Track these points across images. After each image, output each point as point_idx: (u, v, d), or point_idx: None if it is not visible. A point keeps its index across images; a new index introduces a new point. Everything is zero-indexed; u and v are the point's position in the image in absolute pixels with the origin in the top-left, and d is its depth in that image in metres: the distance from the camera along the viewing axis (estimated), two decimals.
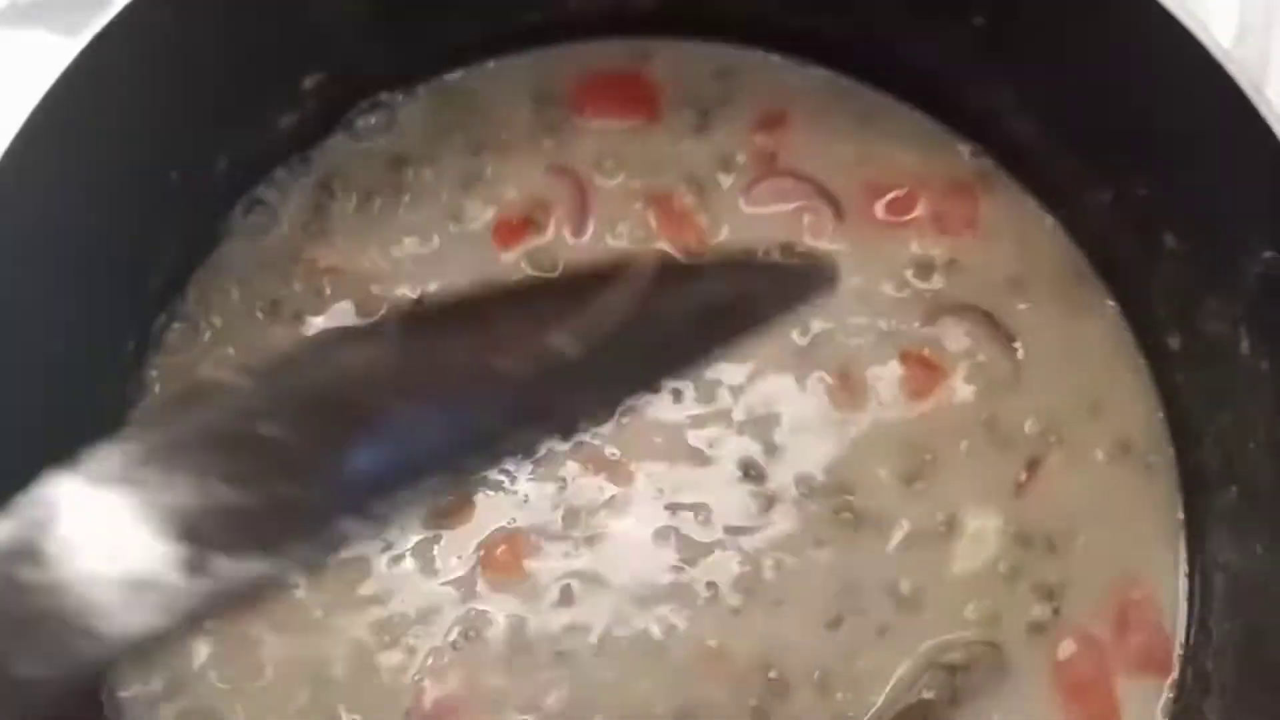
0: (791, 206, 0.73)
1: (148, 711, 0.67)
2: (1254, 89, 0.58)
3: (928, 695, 0.66)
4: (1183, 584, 0.69)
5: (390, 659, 0.67)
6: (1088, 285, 0.74)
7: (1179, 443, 0.71)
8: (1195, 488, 0.69)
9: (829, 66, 0.75)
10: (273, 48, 0.67)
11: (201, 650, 0.67)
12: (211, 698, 0.67)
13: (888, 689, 0.67)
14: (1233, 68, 0.58)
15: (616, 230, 0.73)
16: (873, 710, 0.66)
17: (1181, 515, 0.70)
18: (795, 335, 0.71)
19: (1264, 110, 0.57)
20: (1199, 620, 0.68)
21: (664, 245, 0.72)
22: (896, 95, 0.75)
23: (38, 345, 0.62)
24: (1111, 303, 0.74)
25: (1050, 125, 0.71)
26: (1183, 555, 0.69)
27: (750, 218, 0.73)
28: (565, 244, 0.73)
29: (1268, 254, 0.60)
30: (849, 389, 0.70)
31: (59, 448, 0.39)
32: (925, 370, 0.71)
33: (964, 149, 0.75)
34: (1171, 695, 0.68)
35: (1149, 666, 0.68)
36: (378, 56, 0.73)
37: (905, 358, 0.71)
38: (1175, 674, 0.68)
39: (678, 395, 0.70)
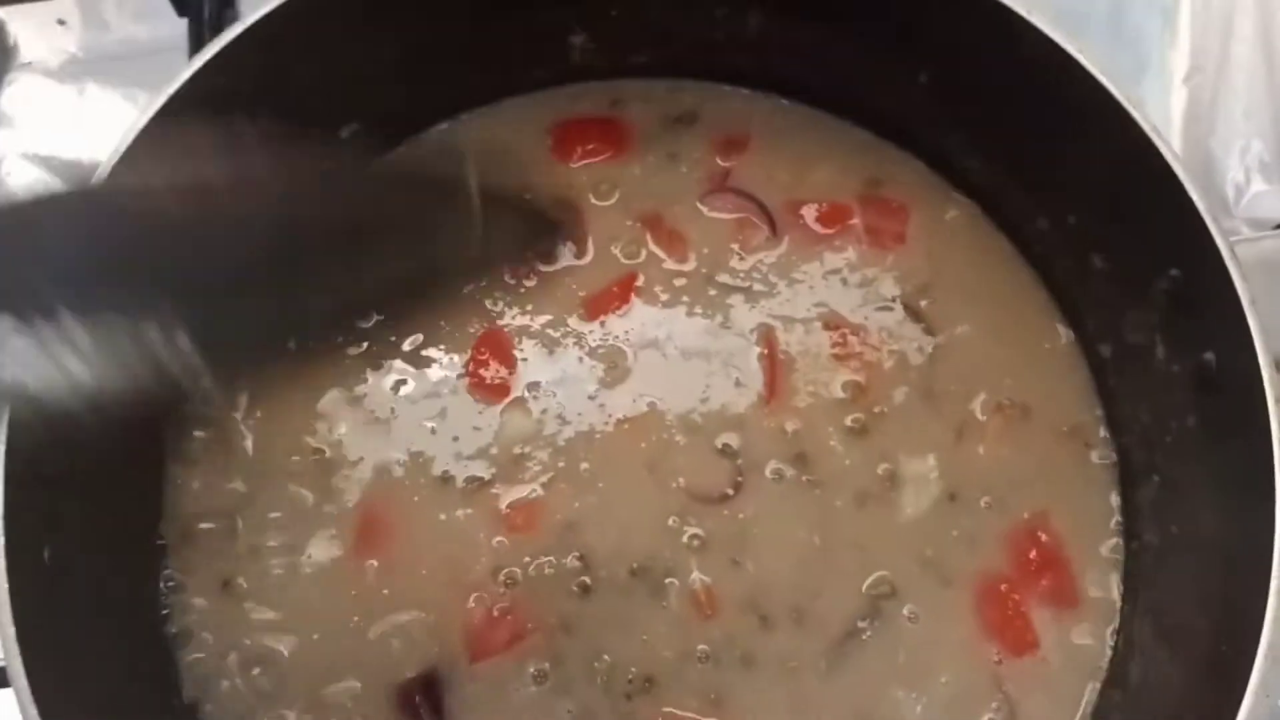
0: (734, 217, 0.84)
1: None
2: (1159, 136, 0.67)
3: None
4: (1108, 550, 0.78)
5: None
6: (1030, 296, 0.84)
7: (1115, 436, 0.80)
8: (1126, 476, 0.79)
9: (792, 98, 0.86)
10: (317, 102, 0.77)
11: None
12: None
13: None
14: (1138, 116, 0.67)
15: (612, 249, 0.83)
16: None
17: (1115, 499, 0.79)
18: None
19: (1166, 153, 0.67)
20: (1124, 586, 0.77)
21: (657, 255, 0.83)
22: (854, 122, 0.85)
23: None
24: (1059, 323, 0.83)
25: (993, 164, 0.82)
26: (1113, 528, 0.78)
27: (709, 220, 0.84)
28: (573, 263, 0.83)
29: (1174, 272, 0.70)
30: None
31: None
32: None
33: (917, 177, 0.85)
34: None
35: (1060, 601, 0.77)
36: (401, 103, 0.83)
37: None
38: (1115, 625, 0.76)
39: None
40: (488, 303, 0.82)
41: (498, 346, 0.81)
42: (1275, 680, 0.79)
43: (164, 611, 0.75)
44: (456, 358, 0.81)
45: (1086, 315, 0.80)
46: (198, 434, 0.79)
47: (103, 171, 0.66)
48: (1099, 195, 0.74)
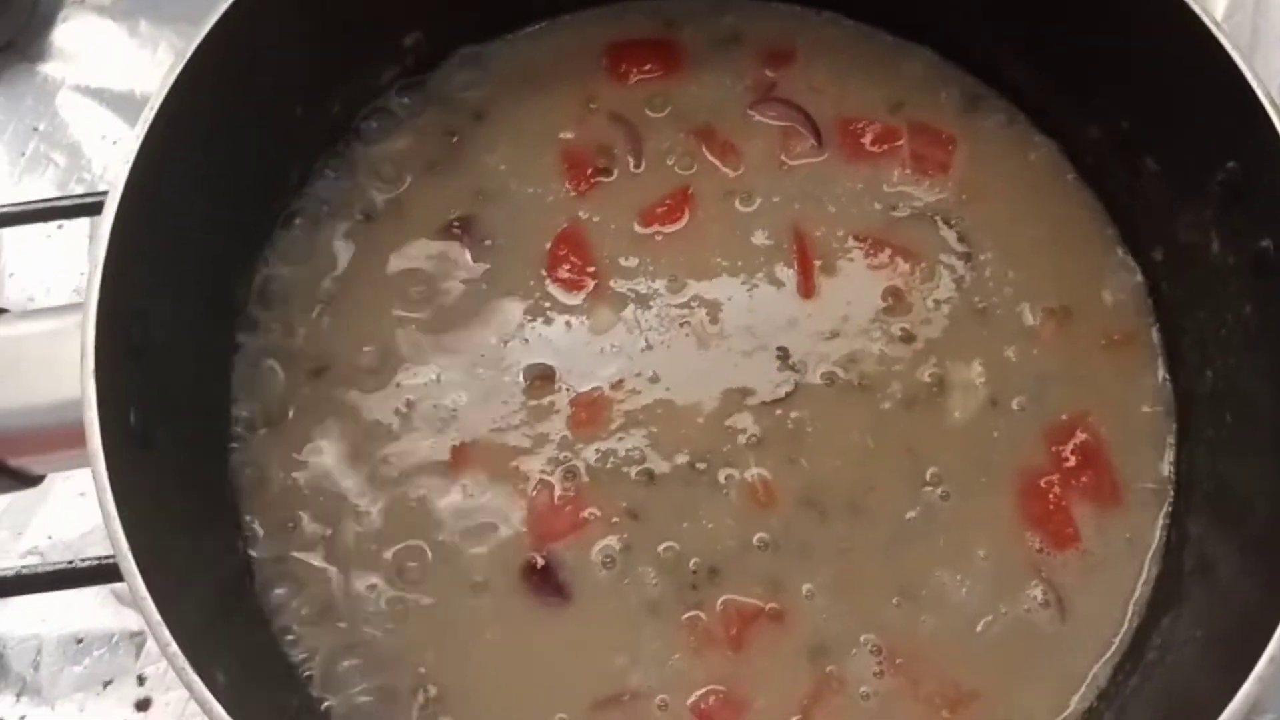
0: (780, 125, 0.86)
1: None
2: (1217, 27, 0.69)
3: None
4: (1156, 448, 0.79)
5: None
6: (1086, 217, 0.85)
7: (1166, 337, 0.81)
8: (1178, 375, 0.80)
9: (844, 12, 0.88)
10: (380, 11, 0.80)
11: None
12: None
13: None
14: (1197, 9, 0.69)
15: (668, 161, 0.85)
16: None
17: (1167, 398, 0.80)
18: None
19: (1225, 42, 0.68)
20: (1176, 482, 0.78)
21: (710, 166, 0.85)
22: (908, 38, 0.87)
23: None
24: (1109, 231, 0.85)
25: (1044, 73, 0.83)
26: (1163, 426, 0.80)
27: (757, 128, 0.86)
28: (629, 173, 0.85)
29: (1231, 164, 0.71)
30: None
31: None
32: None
33: (962, 92, 0.87)
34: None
35: (1102, 498, 0.78)
36: (464, 13, 0.86)
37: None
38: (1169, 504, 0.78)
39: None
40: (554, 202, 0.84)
41: (577, 244, 0.84)
42: None
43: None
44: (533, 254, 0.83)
45: (1138, 220, 0.82)
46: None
47: (154, 103, 0.68)
48: (1155, 96, 0.75)
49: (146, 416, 0.65)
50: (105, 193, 0.65)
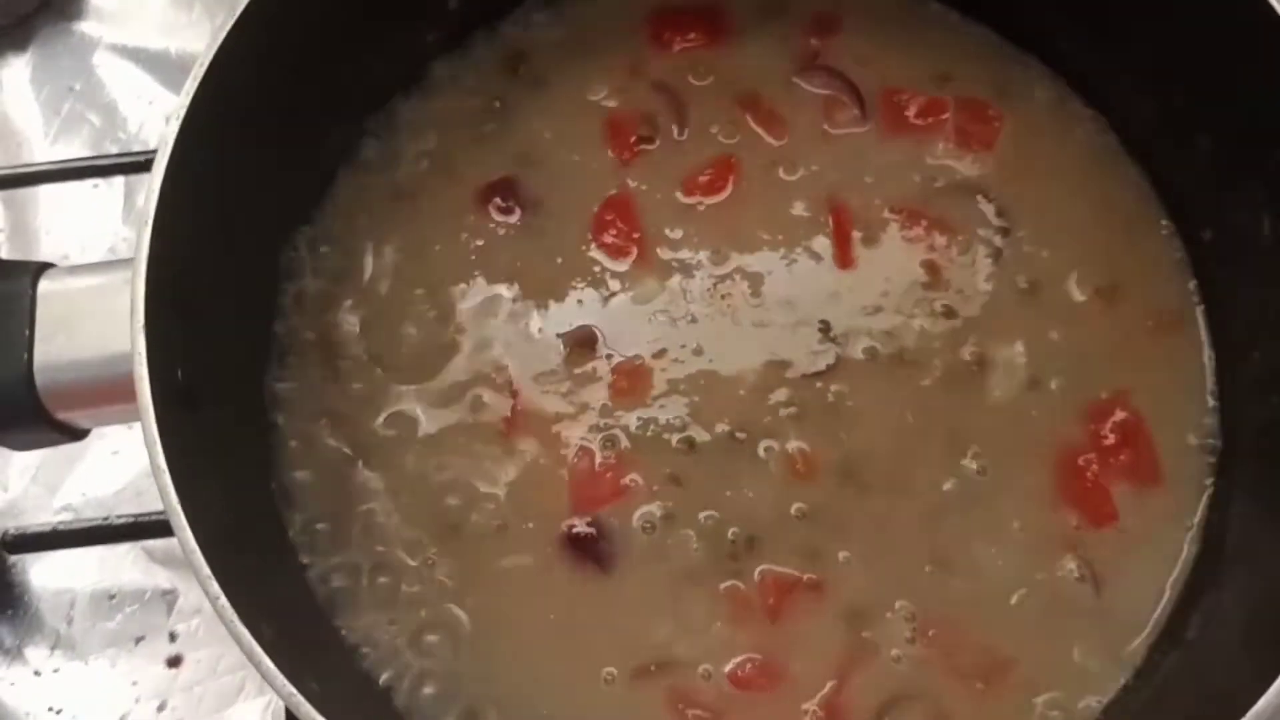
0: (824, 94, 0.86)
1: None
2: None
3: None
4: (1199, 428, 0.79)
5: None
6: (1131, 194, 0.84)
7: (1213, 318, 0.81)
8: (1224, 356, 0.79)
9: None
10: None
11: None
12: None
13: None
14: None
15: (711, 129, 0.85)
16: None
17: (1211, 379, 0.80)
18: None
19: None
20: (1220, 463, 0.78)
21: (754, 135, 0.85)
22: (956, 8, 0.86)
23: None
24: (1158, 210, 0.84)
25: (1098, 45, 0.82)
26: (1207, 407, 0.79)
27: (802, 96, 0.86)
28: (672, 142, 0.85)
29: None
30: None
31: None
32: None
33: (1011, 65, 0.86)
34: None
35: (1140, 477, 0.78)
36: None
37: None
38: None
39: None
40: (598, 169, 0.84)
41: (624, 211, 0.83)
42: None
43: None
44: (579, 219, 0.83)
45: (1187, 199, 0.81)
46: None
47: (203, 60, 0.68)
48: (1211, 72, 0.74)
49: (192, 375, 0.65)
50: (143, 152, 0.66)
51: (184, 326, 0.65)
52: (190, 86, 0.67)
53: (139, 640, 0.93)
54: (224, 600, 0.56)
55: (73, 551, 0.93)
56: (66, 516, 0.95)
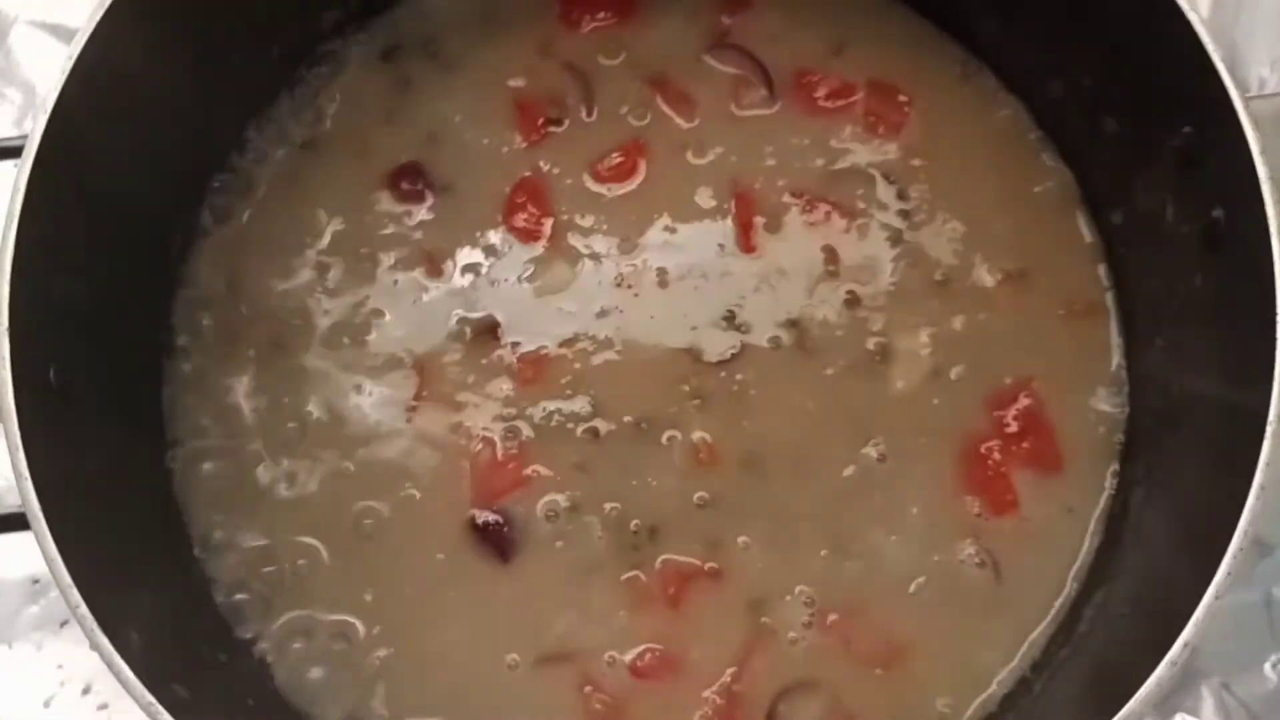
0: (733, 72, 0.84)
1: None
2: None
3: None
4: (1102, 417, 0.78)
5: None
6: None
7: (1120, 302, 0.80)
8: (1129, 342, 0.79)
9: None
10: None
11: None
12: None
13: None
14: None
15: (621, 110, 0.83)
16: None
17: (1116, 365, 0.79)
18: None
19: (1184, 6, 0.66)
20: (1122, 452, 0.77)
21: (664, 116, 0.83)
22: None
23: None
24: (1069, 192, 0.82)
25: (1010, 24, 0.81)
26: (1109, 395, 0.79)
27: (711, 76, 0.84)
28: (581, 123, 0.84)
29: (1186, 129, 0.69)
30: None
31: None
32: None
33: (924, 46, 0.84)
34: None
35: (1042, 465, 0.78)
36: None
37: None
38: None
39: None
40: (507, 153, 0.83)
41: (535, 193, 0.82)
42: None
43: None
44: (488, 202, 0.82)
45: (1099, 183, 0.80)
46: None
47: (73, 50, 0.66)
48: (1115, 54, 0.73)
49: (69, 374, 0.64)
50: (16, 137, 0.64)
51: (60, 325, 0.64)
52: (60, 77, 0.65)
53: (64, 624, 0.93)
54: (84, 609, 0.56)
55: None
56: None
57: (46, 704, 0.89)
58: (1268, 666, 0.84)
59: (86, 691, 0.92)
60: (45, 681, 0.91)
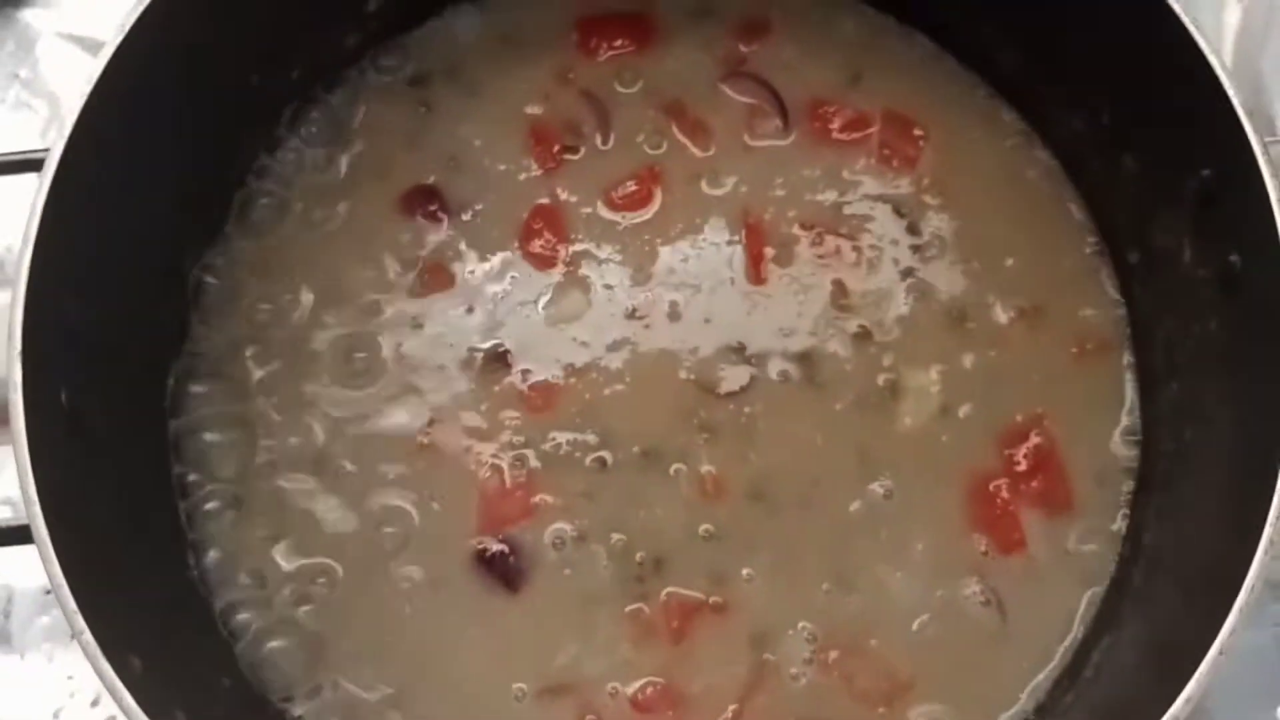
0: (748, 103, 0.84)
1: None
2: (1198, 32, 0.66)
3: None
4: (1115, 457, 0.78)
5: None
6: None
7: (1136, 343, 0.79)
8: (1144, 383, 0.78)
9: None
10: None
11: None
12: None
13: None
14: (1178, 9, 0.66)
15: (637, 139, 0.83)
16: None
17: (1131, 406, 0.78)
18: None
19: (1204, 47, 0.66)
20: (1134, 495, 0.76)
21: (680, 145, 0.83)
22: (894, 17, 0.84)
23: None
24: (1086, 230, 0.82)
25: (1030, 60, 0.80)
26: (1122, 436, 0.78)
27: (727, 105, 0.84)
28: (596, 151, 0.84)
29: (1205, 171, 0.68)
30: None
31: None
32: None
33: (943, 76, 0.84)
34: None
35: (1052, 504, 0.77)
36: None
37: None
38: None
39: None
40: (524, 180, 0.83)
41: (552, 220, 0.82)
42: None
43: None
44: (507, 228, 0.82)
45: (1115, 220, 0.79)
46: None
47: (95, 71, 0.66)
48: (1136, 92, 0.73)
49: (81, 399, 0.64)
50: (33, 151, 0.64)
51: (72, 350, 0.65)
52: (82, 95, 0.65)
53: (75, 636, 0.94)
54: (88, 635, 0.56)
55: (9, 549, 0.94)
56: (6, 513, 0.95)
57: (56, 715, 0.90)
58: (1279, 711, 0.83)
59: (95, 703, 0.92)
60: (55, 692, 0.92)
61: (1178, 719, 0.56)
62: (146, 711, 0.55)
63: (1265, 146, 0.64)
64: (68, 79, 1.07)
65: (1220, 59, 0.66)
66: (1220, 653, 0.57)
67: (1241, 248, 0.66)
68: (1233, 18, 1.02)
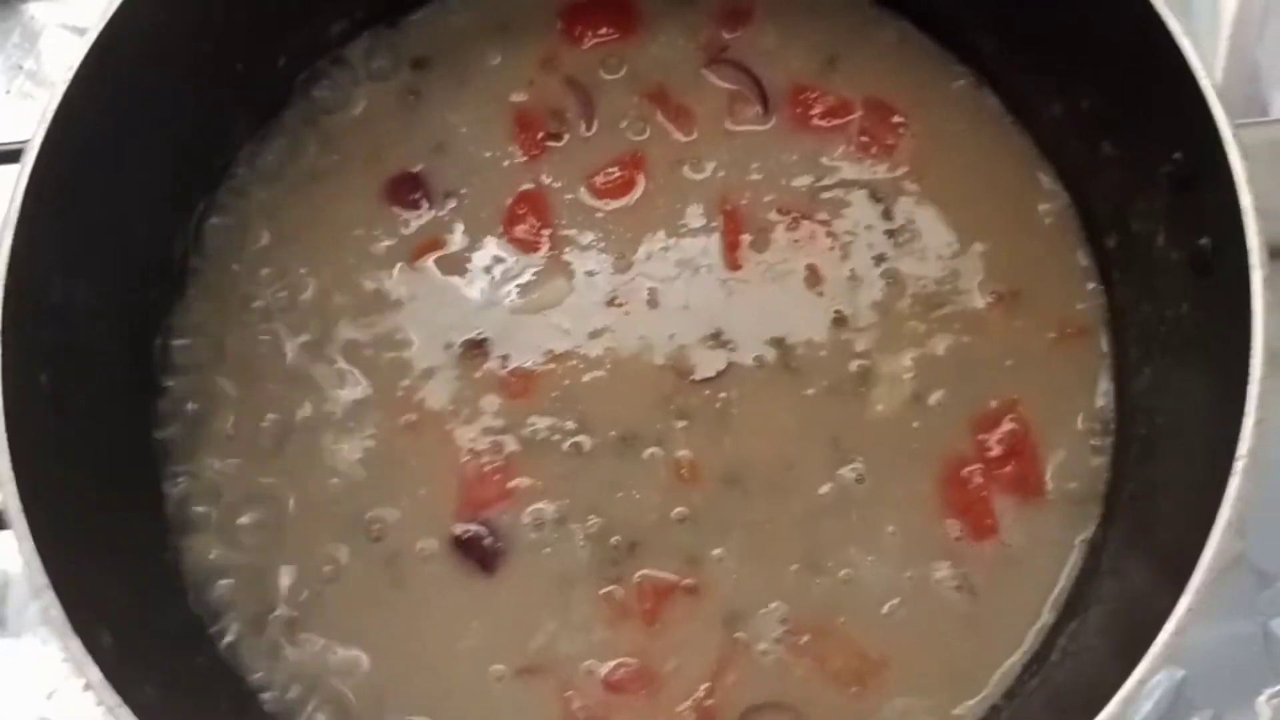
0: (730, 89, 0.84)
1: None
2: (1167, 11, 0.66)
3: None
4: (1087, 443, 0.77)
5: None
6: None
7: (1113, 328, 0.79)
8: (1120, 368, 0.78)
9: None
10: None
11: None
12: None
13: None
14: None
15: (620, 125, 0.84)
16: None
17: (1105, 392, 0.78)
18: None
19: (1173, 28, 0.66)
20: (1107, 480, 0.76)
21: (663, 130, 0.84)
22: (876, 4, 0.84)
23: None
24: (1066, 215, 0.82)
25: (1010, 44, 0.80)
26: (1095, 422, 0.78)
27: (710, 91, 0.85)
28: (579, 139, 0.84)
29: (1176, 155, 0.68)
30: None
31: None
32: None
33: (925, 62, 0.84)
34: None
35: (1024, 490, 0.77)
36: None
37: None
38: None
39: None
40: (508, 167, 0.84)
41: (536, 205, 0.83)
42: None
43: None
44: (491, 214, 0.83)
45: (1095, 205, 0.79)
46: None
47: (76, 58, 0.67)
48: (1113, 78, 0.73)
49: (61, 379, 0.65)
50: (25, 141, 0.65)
51: (54, 331, 0.66)
52: (64, 80, 0.66)
53: None
54: (57, 609, 0.57)
55: (6, 532, 0.95)
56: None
57: (50, 697, 0.91)
58: (1261, 700, 0.83)
59: (89, 686, 0.94)
60: (49, 674, 0.93)
61: (1131, 699, 0.56)
62: (115, 686, 0.56)
63: (1235, 129, 0.64)
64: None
65: (1191, 41, 0.65)
66: (1175, 633, 0.56)
67: (1211, 230, 0.66)
68: (1229, 5, 1.01)
